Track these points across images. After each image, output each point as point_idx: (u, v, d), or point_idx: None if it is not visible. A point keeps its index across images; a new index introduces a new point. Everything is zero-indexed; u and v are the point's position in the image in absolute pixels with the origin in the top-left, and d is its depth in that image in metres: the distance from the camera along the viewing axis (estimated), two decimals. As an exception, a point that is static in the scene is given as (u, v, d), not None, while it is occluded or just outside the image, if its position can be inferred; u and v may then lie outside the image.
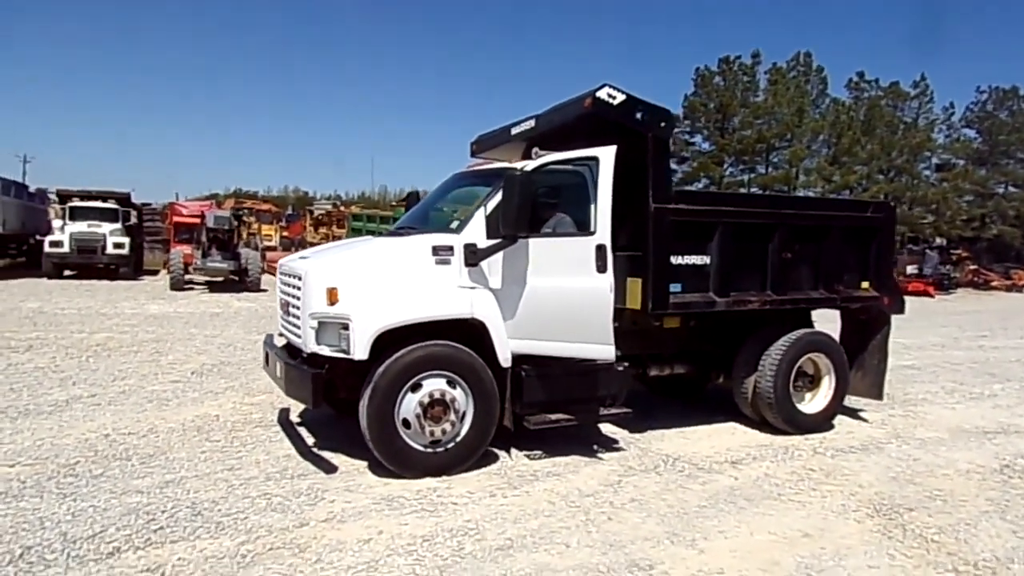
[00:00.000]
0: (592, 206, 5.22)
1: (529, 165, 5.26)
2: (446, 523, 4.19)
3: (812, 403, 6.70)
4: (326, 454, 5.43)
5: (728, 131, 44.51)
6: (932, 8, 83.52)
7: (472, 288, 5.12)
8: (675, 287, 5.90)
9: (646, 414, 6.92)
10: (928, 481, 5.31)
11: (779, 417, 6.40)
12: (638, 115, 5.63)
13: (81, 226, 22.03)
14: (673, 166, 46.33)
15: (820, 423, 6.64)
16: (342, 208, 41.80)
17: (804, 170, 44.07)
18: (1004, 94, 49.29)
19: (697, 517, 4.44)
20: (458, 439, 5.04)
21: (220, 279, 20.72)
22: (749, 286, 6.31)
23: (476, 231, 5.19)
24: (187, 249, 20.44)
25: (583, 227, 5.26)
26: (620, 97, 5.55)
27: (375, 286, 4.93)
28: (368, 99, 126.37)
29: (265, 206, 40.13)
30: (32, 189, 27.82)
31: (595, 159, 5.25)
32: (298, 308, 5.18)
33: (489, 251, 5.12)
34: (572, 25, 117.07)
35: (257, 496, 4.53)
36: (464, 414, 5.04)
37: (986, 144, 49.22)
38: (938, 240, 48.30)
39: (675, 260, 5.89)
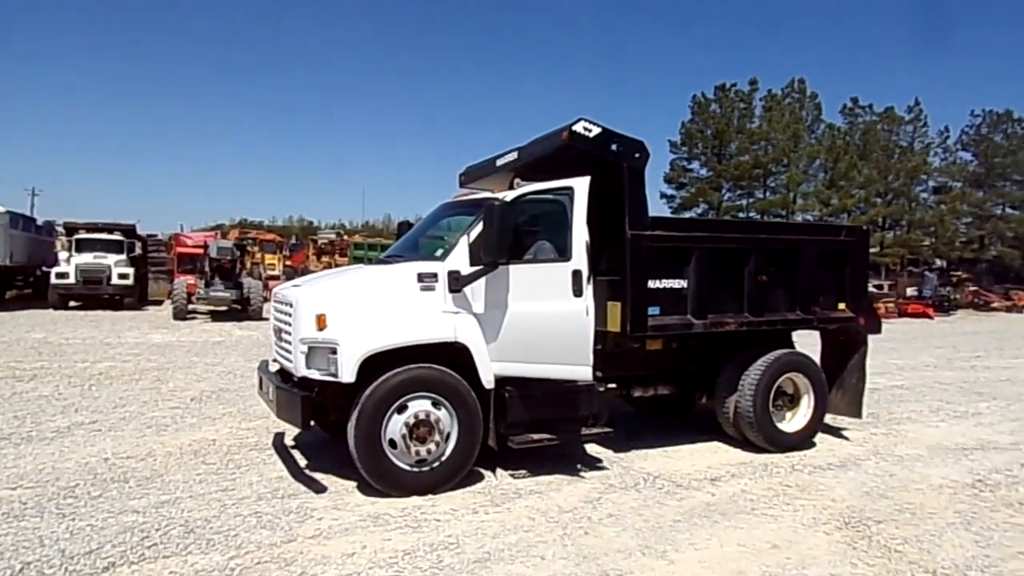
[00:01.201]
0: (569, 233, 5.46)
1: (509, 195, 5.54)
2: (428, 538, 4.37)
3: (792, 422, 6.87)
4: (317, 475, 5.62)
5: (725, 157, 45.08)
6: (924, 34, 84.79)
7: (456, 313, 5.35)
8: (653, 310, 6.12)
9: (632, 434, 7.12)
10: (900, 495, 5.47)
11: (760, 436, 6.57)
12: (613, 147, 5.91)
13: (87, 257, 22.46)
14: (671, 192, 47.04)
15: (800, 441, 6.80)
16: (345, 237, 42.28)
17: (802, 194, 44.52)
18: (999, 117, 49.95)
19: (671, 531, 4.61)
20: (443, 458, 5.23)
21: (223, 308, 21.00)
22: (726, 308, 6.53)
23: (460, 258, 5.43)
24: (190, 279, 20.76)
25: (563, 253, 5.49)
26: (596, 130, 5.83)
27: (362, 312, 5.16)
28: (373, 125, 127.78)
29: (269, 236, 40.57)
30: (39, 222, 28.29)
31: (571, 189, 5.51)
32: (290, 334, 5.41)
33: (472, 277, 5.36)
34: (568, 55, 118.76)
35: (248, 514, 4.72)
36: (449, 434, 5.24)
37: (982, 166, 49.71)
38: (938, 262, 48.58)
39: (652, 284, 6.12)
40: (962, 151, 50.74)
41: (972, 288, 40.80)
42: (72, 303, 22.75)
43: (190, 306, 20.31)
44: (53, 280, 22.03)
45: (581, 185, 5.49)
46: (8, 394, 8.86)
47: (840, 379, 7.30)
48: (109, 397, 8.84)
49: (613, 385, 6.64)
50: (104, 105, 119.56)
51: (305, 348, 5.16)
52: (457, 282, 5.36)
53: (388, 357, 5.12)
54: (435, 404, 5.19)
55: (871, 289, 34.29)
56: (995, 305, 38.15)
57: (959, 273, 44.67)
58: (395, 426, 5.07)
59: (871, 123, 47.46)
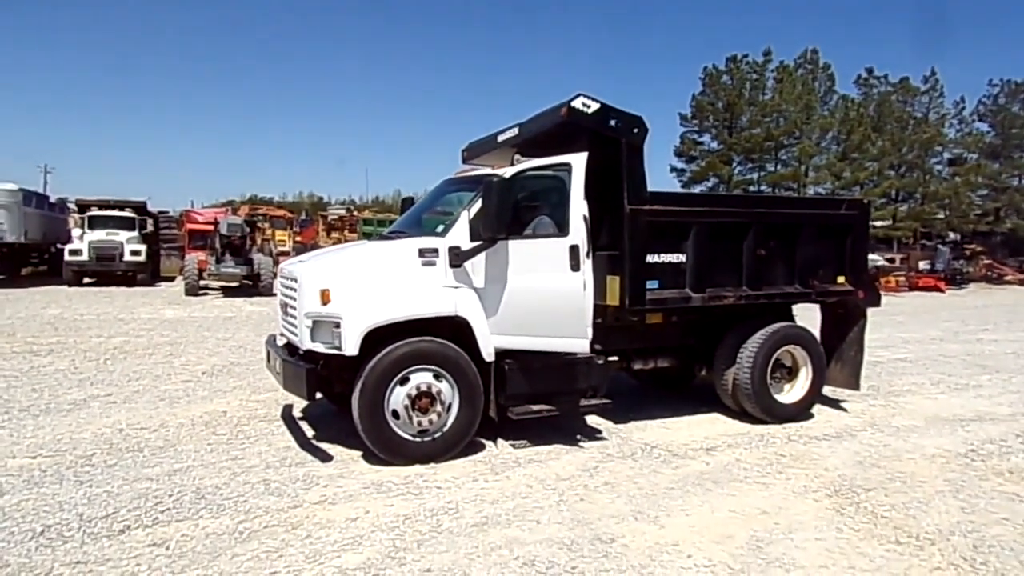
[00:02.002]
0: (566, 209, 5.54)
1: (508, 172, 5.63)
2: (428, 504, 4.54)
3: (790, 394, 6.98)
4: (324, 445, 5.81)
5: (736, 130, 44.63)
6: (940, 2, 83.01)
7: (456, 288, 5.48)
8: (652, 284, 6.22)
9: (633, 406, 7.28)
10: (892, 465, 5.59)
11: (757, 407, 6.69)
12: (612, 122, 5.96)
13: (99, 234, 22.72)
14: (681, 165, 46.80)
15: (798, 413, 6.92)
16: (355, 213, 42.35)
17: (814, 167, 44.06)
18: (1016, 87, 49.01)
19: (664, 498, 4.76)
20: (445, 429, 5.39)
21: (234, 284, 21.26)
22: (725, 282, 6.60)
23: (460, 234, 5.55)
24: (201, 255, 20.99)
25: (560, 228, 5.58)
26: (594, 106, 5.89)
27: (364, 287, 5.30)
28: (381, 100, 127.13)
29: (279, 212, 40.70)
30: (52, 199, 28.58)
31: (568, 165, 5.58)
32: (295, 309, 5.56)
33: (472, 252, 5.48)
34: (576, 29, 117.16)
35: (257, 482, 4.91)
36: (450, 405, 5.40)
37: (999, 138, 48.89)
38: (952, 235, 48.13)
39: (651, 258, 6.20)
40: (978, 122, 49.95)
41: (986, 261, 40.49)
42: (86, 280, 23.08)
43: (202, 282, 20.57)
44: (67, 257, 22.33)
45: (578, 161, 5.56)
46: (26, 368, 9.10)
47: (839, 352, 7.39)
48: (123, 371, 9.06)
49: (615, 358, 6.77)
50: (115, 82, 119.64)
51: (310, 322, 5.31)
52: (458, 257, 5.47)
53: (391, 330, 5.27)
54: (436, 376, 5.34)
55: (882, 262, 34.38)
56: (1009, 278, 37.88)
57: (973, 246, 44.28)
58: (398, 397, 5.22)
59: (886, 94, 46.74)
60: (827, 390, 7.68)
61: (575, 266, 5.47)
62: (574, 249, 5.46)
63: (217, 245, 20.74)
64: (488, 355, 5.50)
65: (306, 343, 5.36)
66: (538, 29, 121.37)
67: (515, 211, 5.83)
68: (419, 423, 5.29)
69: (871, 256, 33.52)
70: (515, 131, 6.58)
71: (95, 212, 23.90)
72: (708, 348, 6.99)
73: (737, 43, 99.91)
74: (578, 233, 5.49)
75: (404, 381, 5.26)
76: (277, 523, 4.20)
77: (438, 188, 6.77)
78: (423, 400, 5.29)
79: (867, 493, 4.91)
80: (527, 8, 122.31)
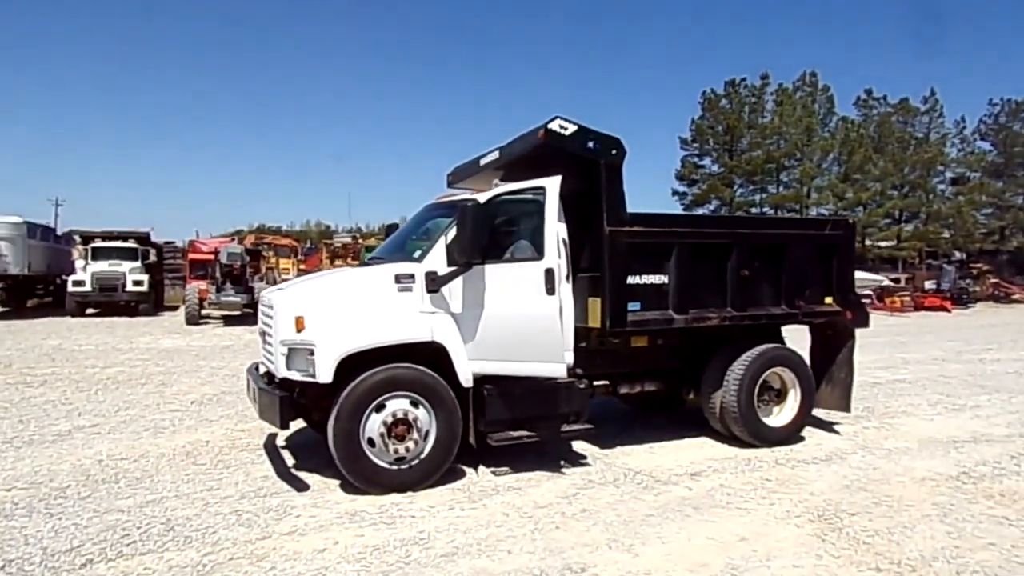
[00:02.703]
0: (541, 232, 5.51)
1: (482, 197, 5.62)
2: (400, 534, 4.46)
3: (779, 416, 6.87)
4: (302, 474, 5.74)
5: (737, 152, 44.84)
6: (938, 23, 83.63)
7: (433, 313, 5.44)
8: (633, 306, 6.16)
9: (621, 430, 7.19)
10: (880, 488, 5.47)
11: (745, 431, 6.59)
12: (590, 144, 5.95)
13: (102, 265, 22.93)
14: (683, 189, 47.00)
15: (787, 436, 6.80)
16: (360, 240, 42.53)
17: (816, 188, 44.11)
18: (1017, 106, 49.15)
19: (642, 525, 4.66)
20: (422, 456, 5.32)
21: (235, 313, 21.29)
22: (708, 303, 6.54)
23: (437, 259, 5.52)
24: (202, 284, 21.06)
25: (538, 252, 5.56)
26: (572, 128, 5.89)
27: (339, 314, 5.26)
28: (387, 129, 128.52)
29: (285, 241, 40.93)
30: (58, 232, 28.86)
31: (543, 189, 5.56)
32: (272, 336, 5.53)
33: (448, 278, 5.45)
34: (573, 54, 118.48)
35: (229, 512, 4.84)
36: (427, 432, 5.33)
37: (1001, 156, 48.90)
38: (957, 254, 47.91)
39: (632, 280, 6.15)
40: (980, 141, 50.01)
41: (992, 280, 40.23)
42: (89, 310, 23.22)
43: (203, 311, 20.62)
44: (70, 288, 22.52)
45: (552, 185, 5.55)
46: (17, 399, 9.09)
47: (829, 374, 7.30)
48: (113, 401, 9.04)
49: (604, 382, 6.70)
50: (127, 116, 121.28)
51: (285, 350, 5.28)
52: (434, 282, 5.44)
53: (367, 357, 5.22)
54: (413, 403, 5.28)
55: (887, 282, 34.19)
56: (1016, 297, 37.60)
57: (979, 265, 44.02)
58: (373, 425, 5.16)
59: (886, 115, 46.92)
60: (821, 412, 7.57)
61: (550, 290, 5.43)
62: (549, 272, 5.43)
63: (217, 274, 20.83)
64: (466, 380, 5.44)
65: (281, 371, 5.32)
66: (531, 53, 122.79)
67: (494, 235, 5.82)
68: (395, 451, 5.22)
69: (875, 276, 33.61)
70: (496, 154, 6.60)
71: (98, 243, 24.13)
72: (695, 371, 6.91)
73: (735, 68, 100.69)
74: (553, 257, 5.45)
75: (380, 408, 5.20)
76: (243, 555, 4.12)
77: (420, 214, 6.77)
78: (399, 427, 5.23)
79: (851, 518, 4.79)
80: (525, 32, 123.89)
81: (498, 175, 7.00)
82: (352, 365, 5.17)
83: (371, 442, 5.17)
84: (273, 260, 32.92)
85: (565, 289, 5.88)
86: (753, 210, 43.72)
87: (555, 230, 5.50)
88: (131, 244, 24.44)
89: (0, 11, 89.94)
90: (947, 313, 30.67)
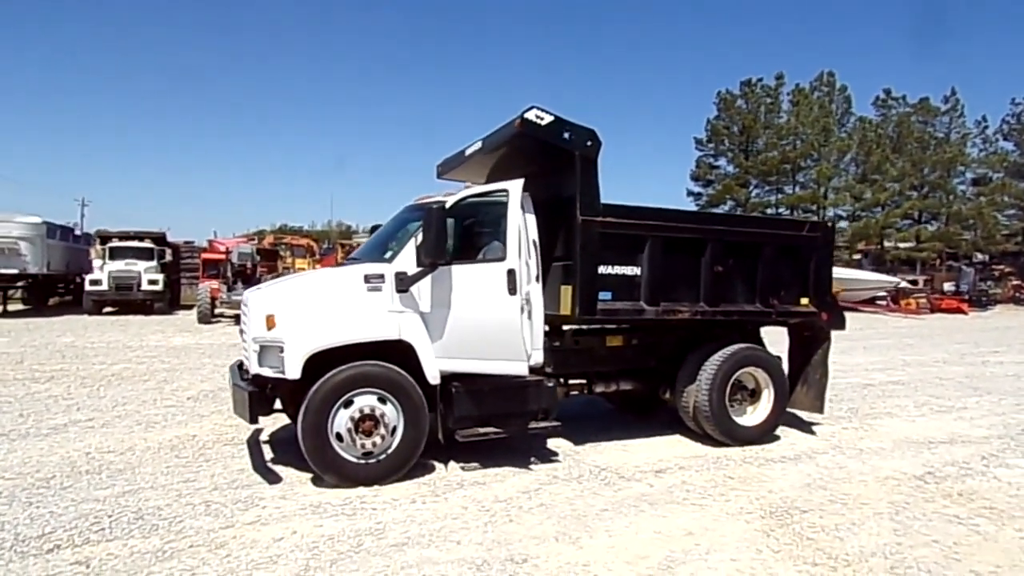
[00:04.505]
0: (504, 234, 5.65)
1: (450, 200, 5.76)
2: (358, 525, 4.62)
3: (753, 416, 6.94)
4: (278, 467, 5.93)
5: (752, 153, 44.52)
6: (957, 22, 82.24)
7: (401, 312, 5.60)
8: (605, 295, 6.25)
9: (601, 427, 7.33)
10: (840, 487, 5.53)
11: (717, 430, 6.66)
12: (565, 135, 6.03)
13: (118, 265, 23.45)
14: (698, 189, 46.76)
15: (760, 435, 6.86)
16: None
17: (833, 189, 43.67)
18: (1041, 105, 48.12)
19: (595, 519, 4.77)
20: (389, 451, 5.48)
21: (246, 312, 21.61)
22: (681, 297, 6.60)
23: (407, 260, 5.68)
24: (214, 284, 21.46)
25: (504, 252, 5.68)
26: (548, 118, 5.98)
27: (308, 312, 5.44)
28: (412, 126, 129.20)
29: (303, 241, 41.37)
30: (78, 232, 29.53)
31: (506, 191, 5.70)
32: (246, 333, 5.73)
33: (416, 278, 5.61)
34: (587, 53, 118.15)
35: (199, 503, 5.03)
36: (395, 428, 5.49)
37: (1024, 156, 48.00)
38: (979, 256, 47.12)
39: (604, 269, 6.23)
40: (1003, 141, 49.09)
41: (1015, 282, 39.60)
42: (107, 309, 23.76)
43: (215, 310, 21.00)
44: (87, 287, 23.06)
45: (515, 187, 5.68)
46: (22, 394, 9.39)
47: (804, 375, 7.35)
48: (113, 397, 9.31)
49: (581, 381, 6.82)
50: (154, 118, 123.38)
51: (257, 347, 5.47)
52: (403, 283, 5.60)
53: (338, 354, 5.39)
54: (381, 399, 5.44)
55: (904, 284, 33.79)
56: (1037, 299, 36.98)
57: (1001, 267, 43.31)
58: (341, 420, 5.33)
59: (905, 115, 46.29)
60: (802, 413, 7.62)
61: (512, 290, 5.56)
62: (511, 273, 5.56)
63: (229, 274, 21.22)
64: (433, 378, 5.59)
65: (254, 367, 5.52)
66: (550, 55, 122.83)
67: (468, 236, 5.99)
68: (363, 445, 5.38)
69: (890, 278, 33.21)
70: (479, 144, 6.72)
71: (115, 243, 24.68)
72: (671, 371, 6.99)
73: (751, 68, 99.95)
74: (514, 258, 5.58)
75: (348, 404, 5.37)
76: (203, 543, 4.30)
77: (398, 215, 6.91)
78: (367, 423, 5.39)
79: (802, 515, 4.88)
80: (539, 33, 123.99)
81: (487, 166, 7.14)
82: (323, 362, 5.35)
83: (339, 437, 5.34)
84: (290, 260, 33.40)
85: (535, 289, 6.01)
86: (769, 210, 43.38)
87: (517, 232, 5.64)
88: (147, 244, 24.95)
89: (33, 23, 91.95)
90: (964, 315, 30.27)
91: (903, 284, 34.26)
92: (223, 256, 22.91)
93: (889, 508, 5.04)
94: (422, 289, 5.66)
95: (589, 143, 6.17)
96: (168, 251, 25.85)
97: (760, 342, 7.47)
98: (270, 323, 5.41)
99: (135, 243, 24.83)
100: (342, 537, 4.40)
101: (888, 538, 4.47)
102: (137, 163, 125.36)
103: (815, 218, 43.56)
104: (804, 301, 7.17)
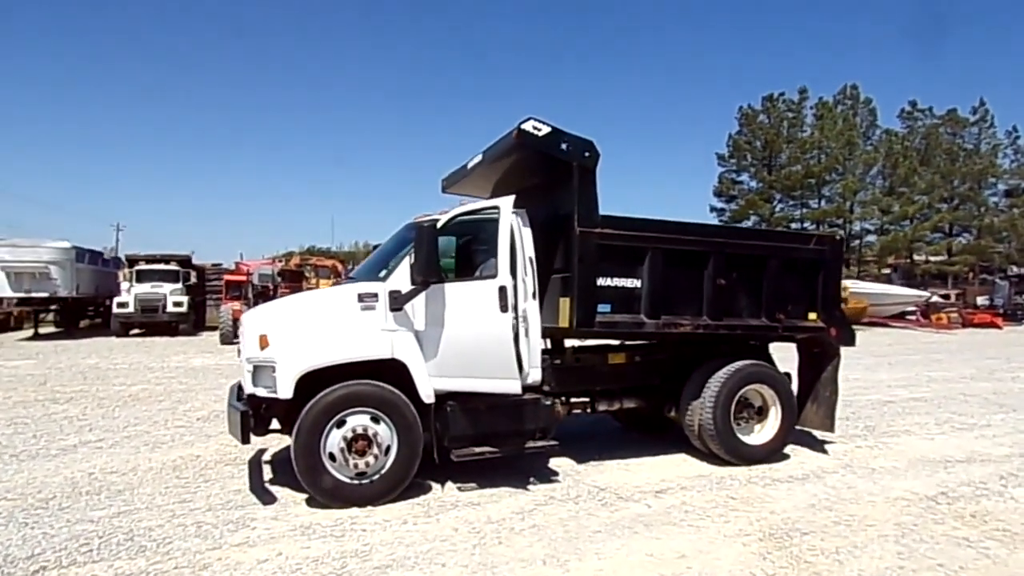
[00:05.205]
0: (495, 251, 5.61)
1: (442, 218, 5.75)
2: (345, 547, 4.56)
3: (760, 434, 6.77)
4: (275, 488, 5.90)
5: (775, 168, 44.09)
6: (985, 31, 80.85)
7: (394, 331, 5.57)
8: (604, 307, 6.15)
9: (605, 446, 7.22)
10: (847, 508, 5.34)
11: (722, 448, 6.50)
12: (563, 146, 5.97)
13: (145, 287, 23.91)
14: (721, 205, 46.37)
15: (768, 454, 6.68)
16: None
17: (859, 203, 42.99)
18: (1075, 113, 47.01)
19: (587, 541, 4.66)
20: (383, 471, 5.43)
21: (266, 332, 21.83)
22: (682, 311, 6.47)
23: (401, 278, 5.67)
24: (236, 305, 21.73)
25: (495, 270, 5.64)
26: (545, 129, 5.93)
27: (300, 332, 5.45)
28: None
29: (328, 262, 41.83)
30: (107, 256, 30.21)
31: (497, 208, 5.67)
32: (242, 353, 5.75)
33: (409, 296, 5.58)
34: (606, 68, 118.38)
35: (191, 524, 5.02)
36: (388, 448, 5.44)
37: (1059, 166, 46.85)
38: (1014, 269, 45.94)
39: (603, 281, 6.13)
40: (1037, 151, 48.00)
41: (1053, 296, 38.48)
42: (133, 331, 24.19)
43: (237, 330, 21.19)
44: (115, 309, 23.53)
45: (506, 204, 5.66)
46: (39, 415, 9.55)
47: (814, 392, 7.16)
48: (126, 417, 9.41)
49: (584, 399, 6.72)
50: (191, 145, 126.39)
51: (251, 367, 5.48)
52: (396, 301, 5.58)
53: (330, 374, 5.38)
54: (374, 419, 5.40)
55: (935, 298, 33.03)
56: (1075, 313, 35.83)
57: (1038, 280, 42.16)
58: (334, 440, 5.30)
59: (932, 126, 45.60)
60: (816, 432, 7.42)
61: (504, 307, 5.52)
62: (502, 290, 5.52)
63: (250, 295, 21.47)
64: (427, 397, 5.54)
65: (249, 387, 5.53)
66: (564, 66, 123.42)
67: (465, 254, 5.97)
68: (356, 465, 5.34)
69: (919, 292, 32.50)
70: (479, 157, 6.71)
71: (142, 266, 25.19)
72: (676, 388, 6.86)
73: (772, 83, 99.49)
74: (506, 275, 5.54)
75: (341, 424, 5.33)
76: (187, 565, 4.28)
77: (397, 233, 6.92)
78: (360, 442, 5.35)
79: (803, 537, 4.71)
80: (559, 48, 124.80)
81: (491, 180, 7.13)
82: (318, 382, 5.33)
83: (332, 457, 5.30)
84: (314, 281, 33.76)
85: (531, 307, 5.95)
86: (793, 225, 42.82)
87: (508, 249, 5.60)
88: (172, 267, 25.43)
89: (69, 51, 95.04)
90: (998, 330, 29.47)
91: (934, 298, 33.51)
92: (245, 277, 23.21)
93: (895, 530, 4.84)
94: (416, 307, 5.64)
95: (587, 154, 6.11)
96: (193, 273, 26.29)
97: (769, 359, 7.29)
98: (263, 343, 5.42)
99: (161, 266, 25.31)
100: (327, 559, 4.35)
101: (890, 561, 4.28)
102: (170, 189, 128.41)
103: (841, 232, 42.97)
104: (812, 316, 7.00)
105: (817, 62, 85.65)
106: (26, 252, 22.81)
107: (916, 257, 45.21)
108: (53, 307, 24.74)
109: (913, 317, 31.81)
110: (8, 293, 23.16)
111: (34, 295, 22.91)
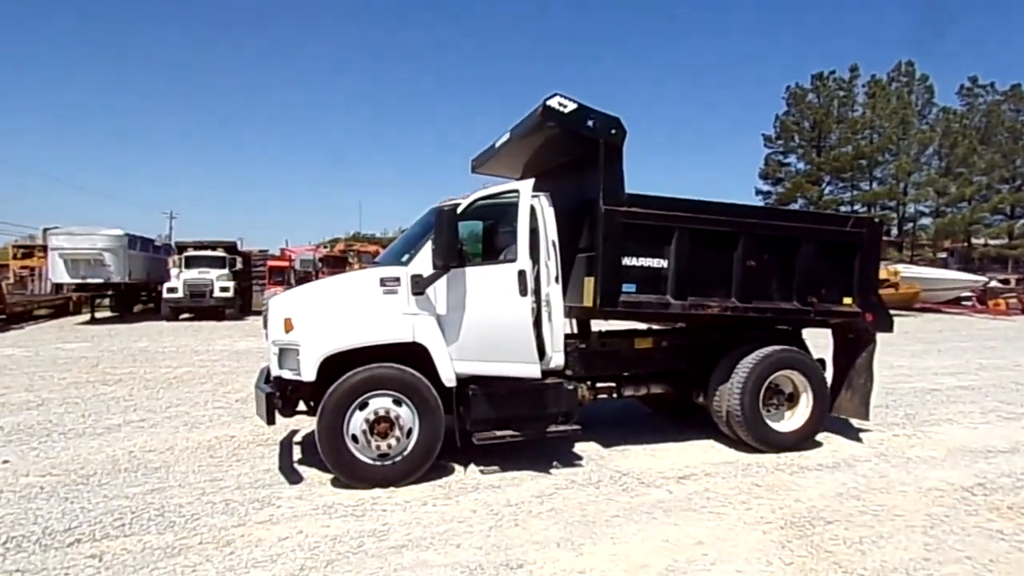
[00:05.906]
0: (515, 235, 5.59)
1: (462, 202, 5.74)
2: (364, 526, 4.64)
3: (790, 421, 6.62)
4: (303, 468, 6.04)
5: (824, 149, 42.79)
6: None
7: (416, 315, 5.61)
8: (628, 287, 6.07)
9: (632, 431, 7.17)
10: (874, 497, 5.20)
11: (750, 435, 6.39)
12: (589, 123, 5.89)
13: (193, 273, 24.61)
14: (767, 188, 45.29)
15: (798, 441, 6.53)
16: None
17: (913, 184, 41.47)
18: None
19: (604, 526, 4.64)
20: (405, 453, 5.50)
21: (310, 316, 22.30)
22: (711, 292, 6.34)
23: (423, 262, 5.69)
24: (279, 290, 22.21)
25: (515, 254, 5.62)
26: (571, 106, 5.86)
27: (324, 316, 5.53)
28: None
29: (371, 248, 42.48)
30: (158, 243, 31.18)
31: (516, 191, 5.64)
32: (268, 336, 5.87)
33: (430, 280, 5.61)
34: (648, 51, 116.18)
35: (219, 502, 5.18)
36: (410, 430, 5.50)
37: None
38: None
39: (628, 261, 6.05)
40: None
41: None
42: (183, 315, 24.97)
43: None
44: (165, 294, 24.31)
45: (525, 187, 5.62)
46: (89, 396, 9.94)
47: (848, 379, 6.96)
48: (169, 398, 9.72)
49: (610, 384, 6.67)
50: (237, 135, 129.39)
51: (276, 350, 5.59)
52: (418, 285, 5.62)
53: (353, 357, 5.46)
54: (396, 401, 5.47)
55: (993, 283, 31.72)
56: None
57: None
58: (356, 421, 5.39)
59: (994, 103, 43.60)
60: (853, 419, 7.22)
61: (523, 291, 5.50)
62: (521, 274, 5.50)
63: (292, 280, 21.94)
64: (448, 380, 5.57)
65: (274, 370, 5.65)
66: (608, 55, 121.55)
67: (489, 238, 5.98)
68: (378, 447, 5.42)
69: (974, 277, 31.27)
70: (507, 136, 6.68)
71: (190, 253, 25.94)
72: (704, 373, 6.76)
73: (822, 61, 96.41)
74: (524, 259, 5.52)
75: (363, 406, 5.41)
76: (212, 540, 4.42)
77: (422, 218, 6.94)
78: (382, 424, 5.43)
79: (826, 526, 4.60)
80: (598, 32, 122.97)
81: (521, 160, 7.09)
82: (341, 365, 5.42)
83: (355, 438, 5.39)
84: (357, 266, 34.33)
85: (554, 291, 5.92)
86: (843, 208, 41.52)
87: (527, 232, 5.57)
88: (219, 253, 26.08)
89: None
90: (1059, 316, 28.16)
91: (992, 283, 32.20)
92: (288, 263, 23.71)
93: (925, 521, 4.70)
94: (437, 291, 5.67)
95: (613, 131, 6.01)
96: (239, 259, 26.92)
97: (802, 345, 7.12)
98: (288, 326, 5.52)
99: (208, 252, 25.99)
100: (345, 538, 4.43)
101: (916, 553, 4.16)
102: (221, 178, 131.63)
103: (895, 215, 41.57)
104: (847, 301, 6.80)
105: (868, 39, 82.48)
106: (82, 240, 23.65)
107: (974, 240, 43.48)
108: (108, 292, 25.65)
109: (969, 303, 30.63)
110: (66, 279, 24.08)
111: (89, 281, 23.77)
